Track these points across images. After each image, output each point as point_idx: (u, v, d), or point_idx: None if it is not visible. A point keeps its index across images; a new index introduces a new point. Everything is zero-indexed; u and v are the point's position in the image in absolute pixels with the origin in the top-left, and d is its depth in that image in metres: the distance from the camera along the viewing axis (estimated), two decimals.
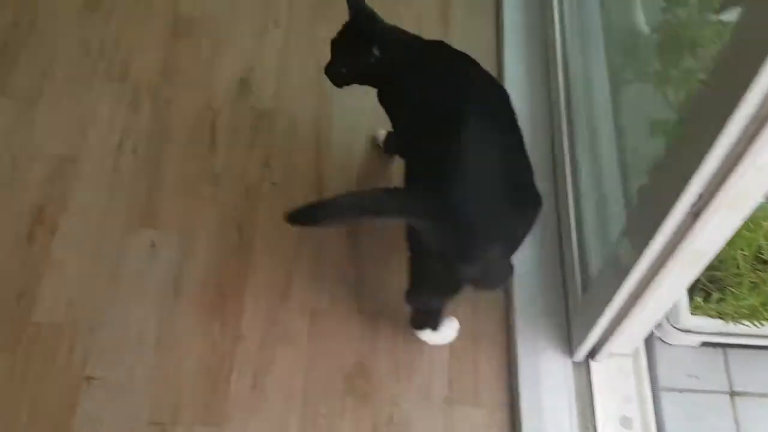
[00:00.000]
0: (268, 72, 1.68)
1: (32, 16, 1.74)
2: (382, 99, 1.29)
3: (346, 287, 1.42)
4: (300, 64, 1.70)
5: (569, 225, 1.37)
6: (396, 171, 1.55)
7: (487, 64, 1.22)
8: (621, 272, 1.01)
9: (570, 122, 1.46)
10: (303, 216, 1.00)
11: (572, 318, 1.33)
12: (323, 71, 1.27)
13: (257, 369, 1.34)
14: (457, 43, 1.25)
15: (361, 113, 1.61)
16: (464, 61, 1.22)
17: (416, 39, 1.27)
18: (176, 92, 1.64)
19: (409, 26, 1.27)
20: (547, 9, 1.66)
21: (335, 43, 1.25)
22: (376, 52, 1.20)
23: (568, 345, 1.32)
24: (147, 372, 1.32)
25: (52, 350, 1.33)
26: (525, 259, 1.40)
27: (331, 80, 1.28)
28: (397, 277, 1.42)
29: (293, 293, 1.42)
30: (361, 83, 1.28)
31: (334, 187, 1.53)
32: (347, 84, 1.28)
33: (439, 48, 1.25)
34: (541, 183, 1.44)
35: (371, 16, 1.24)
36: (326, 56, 1.26)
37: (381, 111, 1.29)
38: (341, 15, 1.23)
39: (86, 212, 1.48)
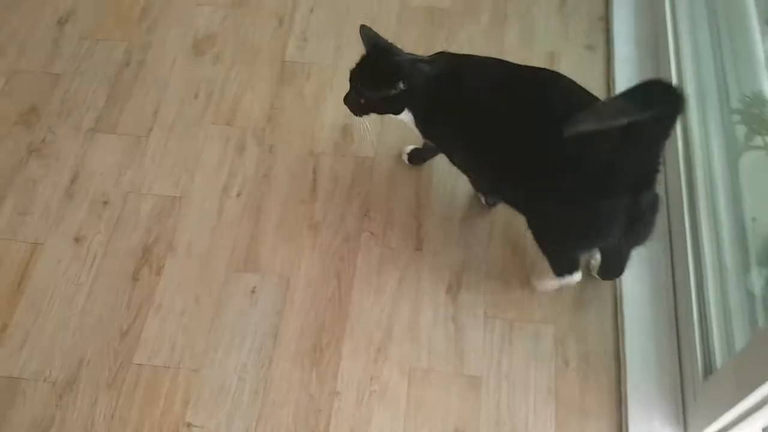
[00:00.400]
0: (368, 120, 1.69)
1: (143, 55, 1.80)
2: (428, 128, 1.33)
3: (446, 345, 1.39)
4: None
5: (690, 302, 1.30)
6: (498, 224, 1.51)
7: None
8: (762, 373, 0.94)
9: (690, 187, 1.40)
10: (579, 123, 1.02)
11: (689, 400, 1.25)
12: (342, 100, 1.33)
13: (354, 428, 1.31)
14: None
15: None
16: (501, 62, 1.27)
17: (441, 57, 1.31)
18: (281, 137, 1.66)
19: None
20: (663, 67, 1.62)
21: (354, 75, 1.30)
22: (402, 85, 1.24)
23: (683, 426, 1.25)
24: (245, 422, 1.31)
25: (153, 393, 1.34)
26: (639, 333, 1.34)
27: (350, 109, 1.34)
28: (498, 338, 1.38)
29: (391, 349, 1.39)
30: (379, 113, 1.33)
31: (433, 240, 1.51)
32: (366, 113, 1.33)
33: (470, 57, 1.32)
34: (655, 252, 1.42)
35: (389, 49, 1.29)
36: None
37: None
38: None
39: (191, 254, 1.50)
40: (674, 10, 1.67)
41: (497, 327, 1.39)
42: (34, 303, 1.44)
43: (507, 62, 1.27)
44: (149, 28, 1.84)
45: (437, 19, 1.83)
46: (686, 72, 1.56)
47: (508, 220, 1.51)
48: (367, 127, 1.37)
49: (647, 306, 1.38)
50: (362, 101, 1.31)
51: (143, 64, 1.79)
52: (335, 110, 1.70)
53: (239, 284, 1.46)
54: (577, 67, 1.73)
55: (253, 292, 1.45)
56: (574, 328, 1.39)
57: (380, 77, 1.26)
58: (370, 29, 1.29)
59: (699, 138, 1.45)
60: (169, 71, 1.77)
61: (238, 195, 1.58)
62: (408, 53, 1.31)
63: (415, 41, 1.78)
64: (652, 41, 1.70)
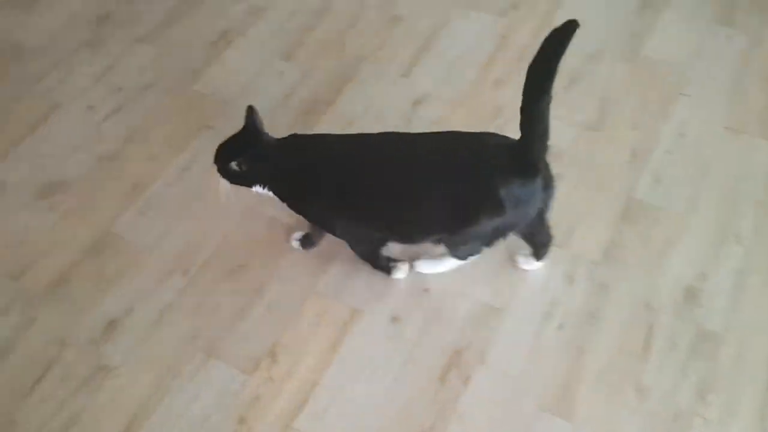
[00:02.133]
0: (720, 290, 1.51)
1: None
2: (302, 201, 1.43)
3: None
4: (760, 294, 1.50)
5: None
6: None
7: None
8: None
9: None
10: None
11: None
12: None
13: None
14: None
15: None
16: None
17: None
18: (615, 278, 1.54)
19: None
20: None
21: (221, 146, 1.40)
22: (234, 166, 1.36)
23: None
24: None
25: None
26: None
27: (222, 175, 1.41)
28: None
29: None
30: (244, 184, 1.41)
31: None
32: (236, 183, 1.41)
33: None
34: None
35: (253, 132, 1.39)
36: None
37: None
38: None
39: (500, 373, 1.41)
40: None
41: None
42: (345, 369, 1.43)
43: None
44: (500, 127, 1.85)
45: None
46: None
47: None
48: (224, 191, 1.42)
49: None
50: (227, 169, 1.38)
51: None
52: (681, 266, 1.55)
53: (548, 428, 1.34)
54: None
55: None
56: None
57: (230, 152, 1.38)
58: (256, 113, 1.39)
59: None
60: None
61: (560, 327, 1.47)
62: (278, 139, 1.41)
63: None
64: None
